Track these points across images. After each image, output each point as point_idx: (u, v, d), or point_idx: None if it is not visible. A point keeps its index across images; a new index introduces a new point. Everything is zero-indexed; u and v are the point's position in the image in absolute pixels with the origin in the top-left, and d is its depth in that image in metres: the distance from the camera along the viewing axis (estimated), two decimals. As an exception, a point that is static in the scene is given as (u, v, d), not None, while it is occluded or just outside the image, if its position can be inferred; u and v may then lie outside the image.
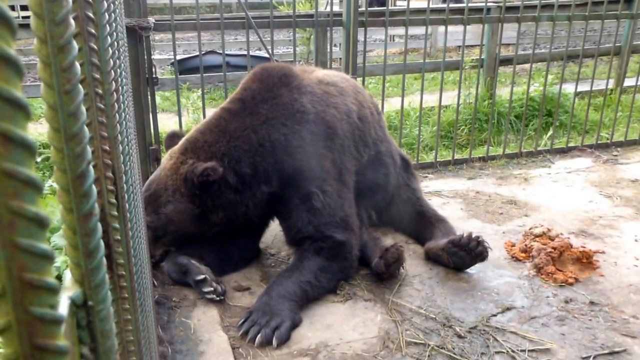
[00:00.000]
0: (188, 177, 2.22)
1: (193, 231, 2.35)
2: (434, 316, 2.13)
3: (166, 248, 2.44)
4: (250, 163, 2.28)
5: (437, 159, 3.96)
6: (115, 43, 0.90)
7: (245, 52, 3.59)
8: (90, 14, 0.64)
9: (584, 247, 2.54)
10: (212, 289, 2.17)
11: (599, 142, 4.32)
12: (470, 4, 3.88)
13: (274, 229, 2.78)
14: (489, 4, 4.14)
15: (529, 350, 1.92)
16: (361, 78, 3.61)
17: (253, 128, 2.31)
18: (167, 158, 2.40)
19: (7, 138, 0.31)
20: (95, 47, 0.66)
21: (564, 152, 4.22)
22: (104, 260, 0.56)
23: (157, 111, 3.28)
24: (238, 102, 2.39)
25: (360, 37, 3.52)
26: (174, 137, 2.57)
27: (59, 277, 2.03)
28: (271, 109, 2.35)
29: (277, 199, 2.36)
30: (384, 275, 2.34)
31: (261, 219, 2.53)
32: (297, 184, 2.32)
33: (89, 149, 0.52)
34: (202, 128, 2.38)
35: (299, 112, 2.36)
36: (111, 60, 0.78)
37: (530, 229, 2.75)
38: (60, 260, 2.28)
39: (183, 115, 3.59)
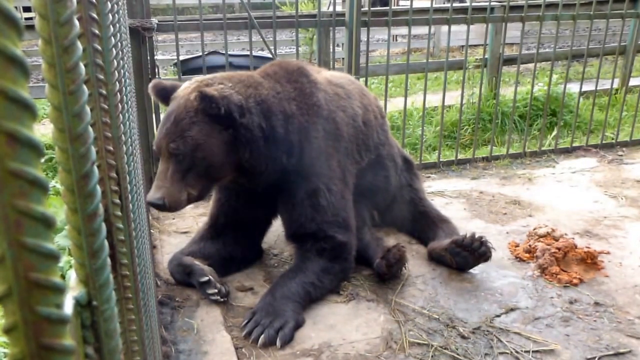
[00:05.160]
0: (202, 92, 2.02)
1: (222, 162, 2.11)
2: (437, 317, 2.12)
3: (191, 192, 2.09)
4: (282, 124, 2.21)
5: (440, 159, 3.95)
6: (119, 44, 0.90)
7: (248, 53, 3.59)
8: (94, 15, 0.65)
9: (589, 248, 2.52)
10: (216, 290, 2.17)
11: (603, 142, 4.30)
12: (473, 3, 3.87)
13: (276, 229, 2.78)
14: (492, 3, 4.12)
15: (533, 351, 1.91)
16: (364, 78, 3.61)
17: (285, 97, 2.26)
18: (180, 90, 2.18)
19: (14, 138, 0.31)
20: (99, 47, 0.66)
21: (569, 152, 4.21)
22: (108, 260, 0.56)
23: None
24: (262, 73, 2.33)
25: (363, 37, 3.51)
26: (162, 87, 2.26)
27: (63, 278, 2.04)
28: (295, 92, 2.31)
29: (283, 189, 2.34)
30: (386, 276, 2.33)
31: (264, 208, 2.50)
32: (306, 176, 2.30)
33: (93, 150, 0.52)
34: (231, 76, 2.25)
35: (315, 106, 2.35)
36: (115, 61, 0.78)
37: (534, 229, 2.74)
38: (63, 260, 2.28)
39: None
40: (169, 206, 2.06)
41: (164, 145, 2.09)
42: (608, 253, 2.61)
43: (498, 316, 2.13)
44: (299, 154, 2.29)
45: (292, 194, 2.32)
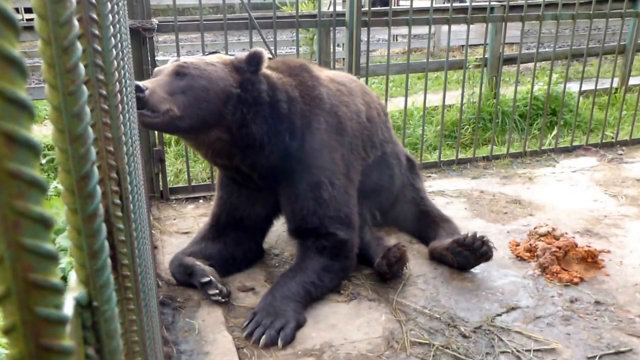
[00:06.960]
0: (242, 57, 2.22)
1: (216, 105, 2.13)
2: (438, 316, 2.12)
3: (172, 108, 2.04)
4: (286, 102, 2.26)
5: (441, 159, 3.95)
6: (119, 44, 0.90)
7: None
8: (94, 16, 0.64)
9: (589, 247, 2.52)
10: (217, 291, 2.17)
11: (603, 141, 4.30)
12: (473, 3, 3.87)
13: (277, 229, 2.79)
14: (492, 3, 4.12)
15: (534, 350, 1.91)
16: (364, 78, 3.61)
17: (288, 84, 2.32)
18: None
19: (12, 138, 0.31)
20: (99, 48, 0.66)
21: (569, 151, 4.20)
22: (109, 261, 0.56)
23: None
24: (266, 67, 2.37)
25: (363, 37, 3.51)
26: None
27: (65, 278, 2.04)
28: (296, 84, 2.36)
29: (285, 181, 2.34)
30: (387, 275, 2.33)
31: (266, 206, 2.50)
32: (308, 167, 2.31)
33: (93, 150, 0.52)
34: None
35: (318, 98, 2.37)
36: (115, 61, 0.78)
37: (534, 228, 2.74)
38: (65, 261, 2.29)
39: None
40: (148, 100, 1.97)
41: (172, 67, 2.14)
42: (608, 252, 2.61)
43: (499, 315, 2.13)
44: (301, 140, 2.30)
45: (295, 186, 2.32)
